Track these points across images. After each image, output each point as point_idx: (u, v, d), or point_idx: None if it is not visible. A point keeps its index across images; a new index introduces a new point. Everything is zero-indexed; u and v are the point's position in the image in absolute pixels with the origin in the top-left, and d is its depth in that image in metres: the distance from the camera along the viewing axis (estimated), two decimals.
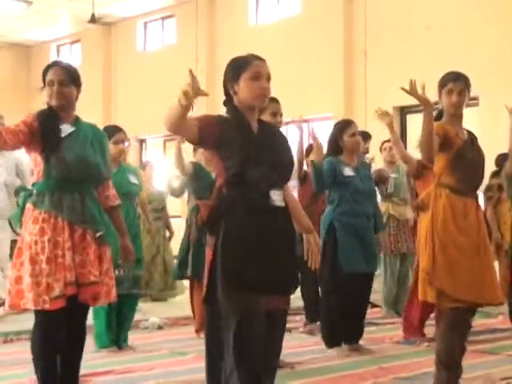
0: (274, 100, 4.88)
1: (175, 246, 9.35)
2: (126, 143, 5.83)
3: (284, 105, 4.93)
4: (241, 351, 3.14)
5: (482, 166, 4.38)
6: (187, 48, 15.09)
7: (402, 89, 3.95)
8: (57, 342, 3.80)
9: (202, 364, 3.36)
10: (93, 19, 15.20)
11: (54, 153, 3.75)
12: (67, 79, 3.83)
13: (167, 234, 9.18)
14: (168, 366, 5.21)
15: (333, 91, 13.12)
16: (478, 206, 4.30)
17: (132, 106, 16.48)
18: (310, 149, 6.58)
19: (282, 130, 5.05)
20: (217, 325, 3.23)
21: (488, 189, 7.21)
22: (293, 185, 5.71)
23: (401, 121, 12.41)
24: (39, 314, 3.75)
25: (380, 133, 8.30)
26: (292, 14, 14.29)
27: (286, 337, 3.49)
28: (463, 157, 4.21)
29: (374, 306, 7.73)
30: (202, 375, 3.39)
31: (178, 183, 7.20)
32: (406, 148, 6.69)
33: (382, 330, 6.75)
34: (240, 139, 3.22)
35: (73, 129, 3.86)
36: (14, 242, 7.36)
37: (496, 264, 5.22)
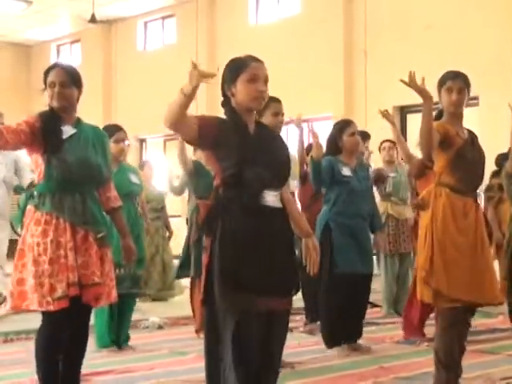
0: (276, 100, 4.88)
1: (174, 246, 9.39)
2: (127, 142, 5.84)
3: (284, 105, 4.94)
4: (239, 351, 3.14)
5: (482, 165, 4.38)
6: (187, 48, 15.09)
7: (402, 81, 3.94)
8: (61, 342, 3.81)
9: (202, 364, 3.36)
10: (93, 19, 15.20)
11: (55, 154, 3.75)
12: (68, 80, 3.84)
13: (166, 233, 9.18)
14: (168, 366, 5.21)
15: (333, 91, 13.12)
16: (477, 205, 4.30)
17: (132, 106, 16.48)
18: (309, 148, 6.58)
19: (283, 129, 5.08)
20: (215, 325, 3.23)
21: (489, 189, 7.22)
22: (295, 184, 5.70)
23: (401, 120, 12.41)
24: (44, 314, 3.76)
25: (379, 133, 8.32)
26: (292, 14, 14.30)
27: (287, 336, 3.48)
28: (463, 156, 4.21)
29: (375, 305, 7.74)
30: (203, 375, 3.39)
31: (178, 182, 7.21)
32: None
33: (382, 329, 6.75)
34: (237, 140, 3.22)
35: (74, 130, 3.86)
36: (12, 242, 7.41)
37: (496, 264, 5.23)
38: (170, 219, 9.42)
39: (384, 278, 7.45)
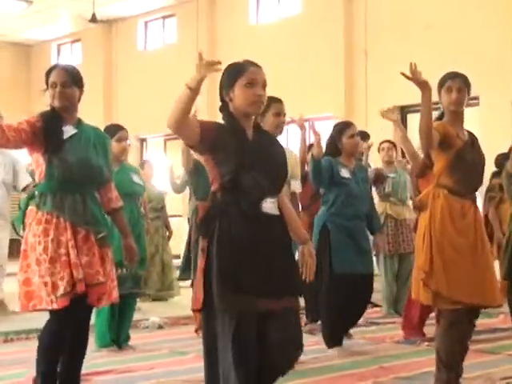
0: (278, 100, 4.88)
1: (174, 246, 9.39)
2: (128, 141, 5.84)
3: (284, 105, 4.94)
4: (239, 352, 3.13)
5: (481, 167, 4.37)
6: (188, 47, 15.09)
7: (402, 74, 3.94)
8: (64, 340, 3.82)
9: (202, 364, 3.36)
10: (93, 18, 15.21)
11: (56, 154, 3.75)
12: (69, 80, 3.84)
13: (166, 233, 9.18)
14: (168, 366, 5.21)
15: (333, 91, 13.13)
16: (476, 207, 4.30)
17: (133, 106, 16.49)
18: (309, 148, 6.57)
19: (284, 130, 5.08)
20: (214, 326, 3.22)
21: (490, 189, 7.22)
22: (297, 185, 5.68)
23: (401, 120, 12.40)
24: (51, 313, 3.77)
25: (379, 133, 8.33)
26: (292, 14, 14.30)
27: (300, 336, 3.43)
28: (463, 158, 4.20)
29: (375, 305, 7.74)
30: (202, 375, 3.39)
31: (179, 181, 7.21)
32: None
33: (383, 329, 6.75)
34: (235, 145, 3.22)
35: (75, 131, 3.87)
36: (12, 242, 7.41)
37: (497, 264, 5.22)
38: (170, 219, 9.42)
39: (384, 278, 7.45)
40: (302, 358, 5.32)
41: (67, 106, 3.85)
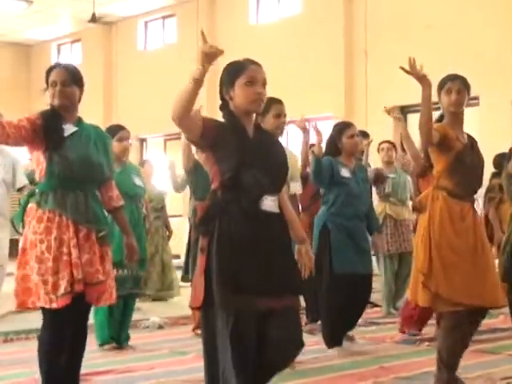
0: (278, 101, 4.88)
1: (174, 246, 9.39)
2: (130, 141, 5.85)
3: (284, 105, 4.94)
4: (238, 351, 3.13)
5: (481, 170, 4.38)
6: (188, 47, 15.08)
7: (402, 68, 3.94)
8: (64, 339, 3.81)
9: (202, 363, 3.36)
10: (93, 18, 15.22)
11: (56, 151, 3.75)
12: (69, 79, 3.84)
13: (166, 233, 9.18)
14: (168, 366, 5.22)
15: (333, 91, 13.13)
16: (474, 210, 4.29)
17: (133, 106, 16.50)
18: (310, 147, 6.57)
19: (284, 130, 5.08)
20: (214, 325, 3.22)
21: (489, 190, 7.21)
22: (298, 188, 5.68)
23: None
24: (48, 312, 3.74)
25: (379, 133, 8.33)
26: (292, 14, 14.31)
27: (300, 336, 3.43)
28: (462, 161, 4.21)
29: (375, 305, 7.74)
30: (202, 375, 3.39)
31: (180, 180, 7.22)
32: None
33: (383, 329, 6.75)
34: (235, 143, 3.23)
35: (76, 128, 3.87)
36: (12, 241, 7.40)
37: (497, 264, 5.22)
38: (170, 219, 9.42)
39: (384, 278, 7.46)
40: (302, 358, 5.35)
41: (67, 105, 3.85)
